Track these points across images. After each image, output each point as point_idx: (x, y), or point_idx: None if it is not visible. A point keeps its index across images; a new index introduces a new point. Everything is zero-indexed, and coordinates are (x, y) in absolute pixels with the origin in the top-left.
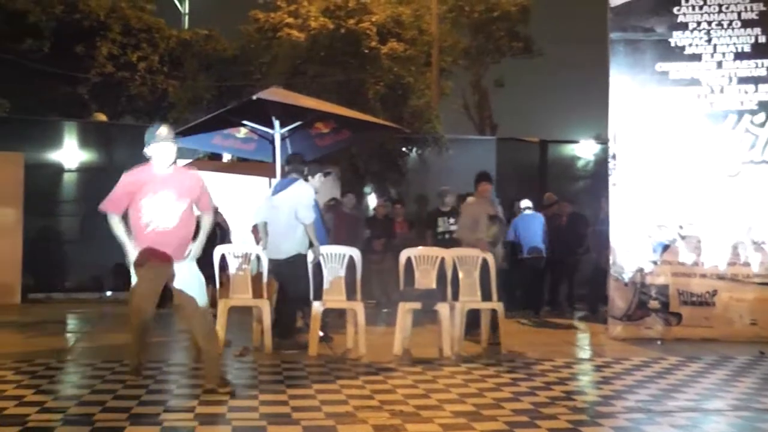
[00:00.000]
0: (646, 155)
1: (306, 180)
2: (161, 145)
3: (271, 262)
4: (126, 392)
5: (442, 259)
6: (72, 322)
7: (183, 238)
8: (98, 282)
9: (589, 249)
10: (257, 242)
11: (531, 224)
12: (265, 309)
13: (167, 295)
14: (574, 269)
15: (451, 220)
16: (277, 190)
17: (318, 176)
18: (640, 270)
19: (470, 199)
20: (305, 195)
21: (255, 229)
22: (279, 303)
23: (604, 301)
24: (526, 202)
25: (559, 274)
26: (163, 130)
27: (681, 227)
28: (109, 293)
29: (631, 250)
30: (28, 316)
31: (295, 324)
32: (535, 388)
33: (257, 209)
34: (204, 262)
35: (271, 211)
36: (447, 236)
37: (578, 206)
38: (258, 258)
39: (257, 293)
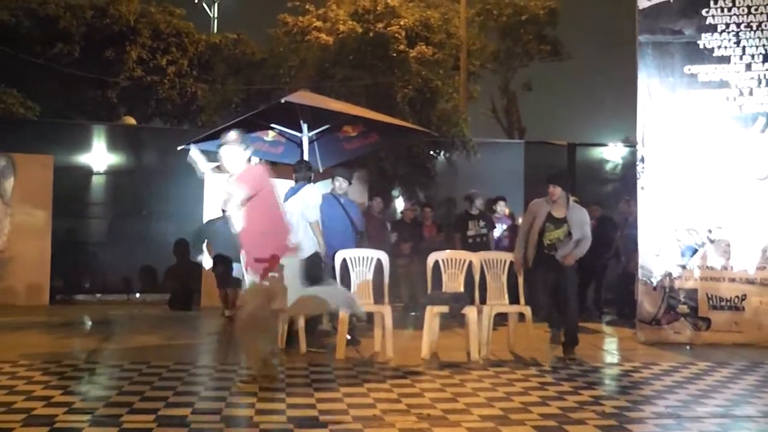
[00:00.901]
0: (674, 158)
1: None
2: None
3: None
4: (153, 394)
5: (470, 263)
6: (100, 324)
7: None
8: (126, 284)
9: (618, 253)
10: None
11: None
12: None
13: (192, 296)
14: (602, 273)
15: (482, 223)
16: (288, 195)
17: (338, 180)
18: (669, 274)
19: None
20: (310, 196)
21: None
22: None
23: (633, 305)
24: None
25: (588, 278)
26: (225, 136)
27: (710, 231)
28: (137, 295)
29: (659, 254)
30: (57, 317)
31: (317, 322)
32: (564, 393)
33: None
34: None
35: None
36: (478, 240)
37: (607, 210)
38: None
39: None
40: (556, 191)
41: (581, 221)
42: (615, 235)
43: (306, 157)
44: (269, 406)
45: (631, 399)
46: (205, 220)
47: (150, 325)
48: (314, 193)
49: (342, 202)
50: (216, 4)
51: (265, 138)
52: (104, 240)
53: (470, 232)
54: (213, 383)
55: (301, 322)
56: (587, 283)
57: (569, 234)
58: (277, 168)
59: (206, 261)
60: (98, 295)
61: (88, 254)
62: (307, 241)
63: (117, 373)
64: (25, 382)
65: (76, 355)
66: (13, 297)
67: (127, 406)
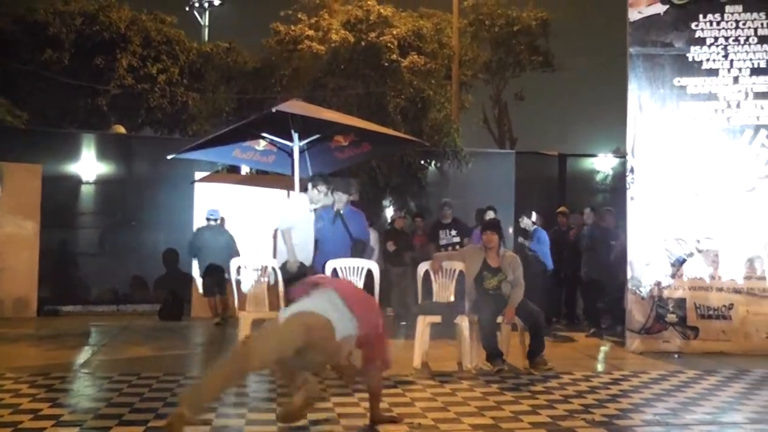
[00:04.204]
0: (664, 169)
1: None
2: None
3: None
4: (143, 405)
5: (461, 272)
6: (88, 335)
7: None
8: (116, 294)
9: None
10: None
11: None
12: None
13: (182, 307)
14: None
15: (453, 232)
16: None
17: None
18: (658, 284)
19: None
20: (291, 204)
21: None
22: None
23: (622, 315)
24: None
25: (575, 287)
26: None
27: (698, 241)
28: (126, 306)
29: (649, 263)
30: (45, 329)
31: None
32: (554, 401)
33: None
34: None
35: None
36: (449, 248)
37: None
38: (274, 270)
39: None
40: (493, 239)
41: (514, 268)
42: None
43: (297, 166)
44: (260, 417)
45: (621, 407)
46: (194, 229)
47: (140, 335)
48: (292, 201)
49: (342, 213)
50: (207, 13)
51: (257, 147)
52: (93, 250)
53: (442, 241)
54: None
55: None
56: (574, 295)
57: (505, 279)
58: (268, 177)
59: (196, 270)
60: (87, 307)
61: (77, 265)
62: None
63: (106, 385)
64: (12, 395)
65: (64, 367)
66: (1, 309)
67: (117, 418)
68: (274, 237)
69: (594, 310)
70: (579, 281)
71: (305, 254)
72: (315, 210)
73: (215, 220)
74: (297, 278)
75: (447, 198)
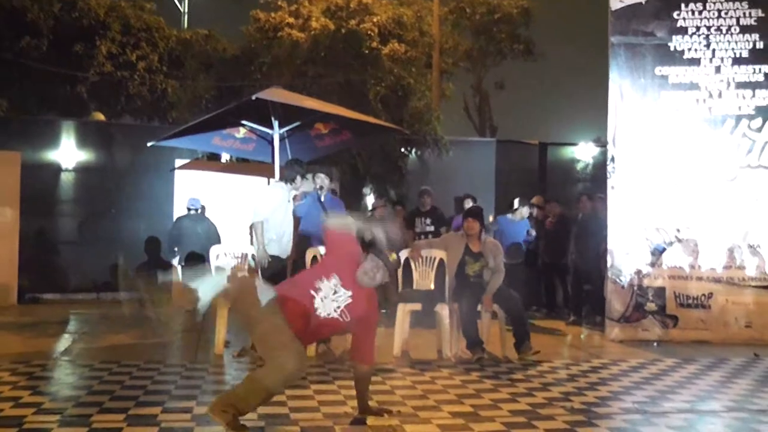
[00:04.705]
0: (644, 159)
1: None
2: None
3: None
4: (124, 393)
5: (441, 260)
6: (69, 323)
7: None
8: (95, 283)
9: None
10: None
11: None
12: None
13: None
14: (565, 272)
15: (428, 221)
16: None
17: (319, 177)
18: (638, 272)
19: (451, 233)
20: (265, 193)
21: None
22: None
23: (601, 304)
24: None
25: (552, 278)
26: None
27: (678, 230)
28: (105, 294)
29: (629, 252)
30: (25, 317)
31: None
32: (533, 390)
33: None
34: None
35: None
36: (423, 237)
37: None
38: (253, 257)
39: None
40: (474, 226)
41: (495, 254)
42: (572, 232)
43: (277, 154)
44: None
45: (599, 395)
46: (174, 218)
47: (120, 324)
48: (270, 192)
49: (323, 201)
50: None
51: (237, 135)
52: (73, 238)
53: (417, 229)
54: (183, 382)
55: None
56: (553, 284)
57: (487, 265)
58: (249, 165)
59: (177, 260)
60: (67, 295)
61: (57, 253)
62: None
63: (87, 373)
64: None
65: (45, 354)
66: None
67: (97, 406)
68: (250, 232)
69: (579, 298)
70: (558, 269)
71: (283, 246)
72: (296, 196)
73: (196, 209)
74: (274, 273)
75: (427, 186)
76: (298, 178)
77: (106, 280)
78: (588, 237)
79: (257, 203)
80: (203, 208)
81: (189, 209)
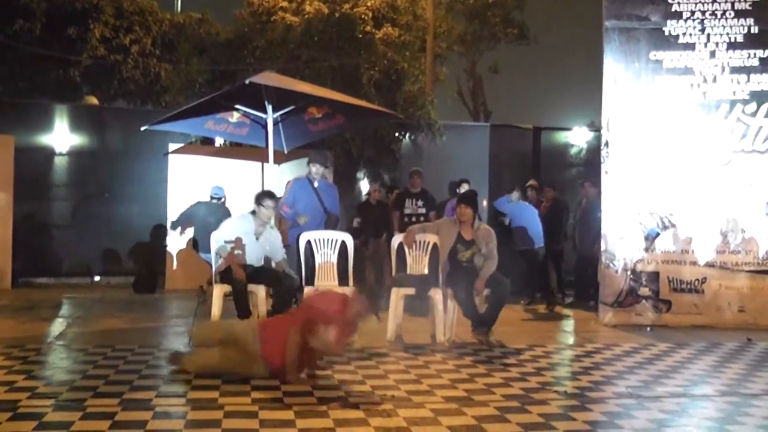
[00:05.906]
0: (638, 143)
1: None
2: None
3: None
4: (118, 377)
5: (435, 245)
6: (63, 307)
7: None
8: (89, 267)
9: (573, 235)
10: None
11: (524, 214)
12: (260, 294)
13: (157, 279)
14: (559, 257)
15: (420, 203)
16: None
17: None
18: (632, 257)
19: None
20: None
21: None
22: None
23: (594, 288)
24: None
25: (545, 263)
26: None
27: (672, 215)
28: (98, 278)
29: (622, 237)
30: (19, 301)
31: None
32: (526, 374)
33: None
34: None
35: None
36: (414, 219)
37: (570, 193)
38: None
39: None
40: (467, 212)
41: (488, 241)
42: (567, 218)
43: (271, 138)
44: (234, 389)
45: (593, 379)
46: (194, 201)
47: (114, 308)
48: (236, 222)
49: (316, 186)
50: None
51: (230, 119)
52: (67, 222)
53: (407, 210)
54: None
55: (262, 308)
56: (547, 269)
57: (479, 252)
58: (242, 149)
59: (177, 238)
60: (61, 279)
61: (51, 237)
62: None
63: (81, 357)
64: None
65: (39, 339)
66: None
67: (92, 390)
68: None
69: (584, 284)
70: (553, 254)
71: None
72: (288, 182)
73: (218, 198)
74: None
75: (418, 167)
76: (263, 209)
77: (99, 264)
78: (592, 222)
79: (223, 226)
80: (225, 198)
81: (212, 197)
